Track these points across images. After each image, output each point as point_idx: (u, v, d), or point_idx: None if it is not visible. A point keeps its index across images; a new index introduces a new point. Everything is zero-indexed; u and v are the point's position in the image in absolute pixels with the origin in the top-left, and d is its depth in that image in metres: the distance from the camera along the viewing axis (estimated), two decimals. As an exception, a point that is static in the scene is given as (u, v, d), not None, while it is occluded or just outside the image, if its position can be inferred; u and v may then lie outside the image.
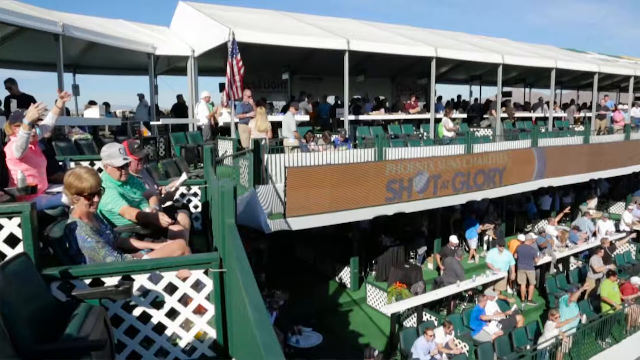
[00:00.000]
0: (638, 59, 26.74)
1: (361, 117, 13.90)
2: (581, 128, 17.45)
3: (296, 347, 8.93)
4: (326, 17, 15.57)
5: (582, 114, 20.33)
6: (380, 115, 14.56)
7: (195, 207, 5.72)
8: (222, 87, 13.23)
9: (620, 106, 19.30)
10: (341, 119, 12.53)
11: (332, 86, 15.94)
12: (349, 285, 12.53)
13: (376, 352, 7.81)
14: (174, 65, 14.47)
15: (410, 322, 11.01)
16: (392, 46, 12.90)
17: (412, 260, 13.55)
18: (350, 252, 12.34)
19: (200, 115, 12.48)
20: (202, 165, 8.90)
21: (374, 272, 12.88)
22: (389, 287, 11.51)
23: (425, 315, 10.79)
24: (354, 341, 10.34)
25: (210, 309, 2.97)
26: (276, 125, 11.84)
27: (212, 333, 2.99)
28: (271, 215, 9.16)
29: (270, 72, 16.65)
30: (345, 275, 12.66)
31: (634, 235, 16.34)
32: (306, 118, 13.07)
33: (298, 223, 9.32)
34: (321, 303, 11.94)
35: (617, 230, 16.48)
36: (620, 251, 15.76)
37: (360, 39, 12.29)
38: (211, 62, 14.27)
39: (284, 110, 13.05)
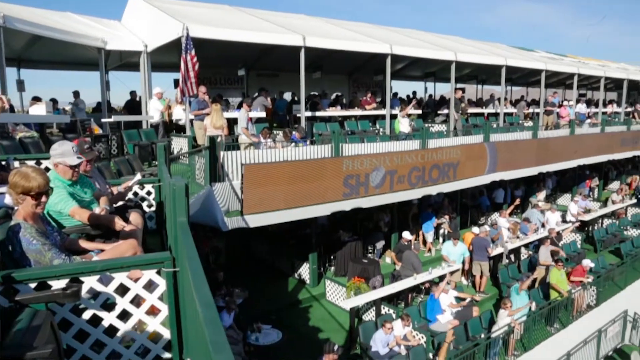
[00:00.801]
0: (582, 57, 27.98)
1: (318, 114, 13.94)
2: (530, 123, 18.12)
3: (256, 345, 8.90)
4: (282, 14, 15.49)
5: (531, 110, 21.12)
6: (336, 111, 14.65)
7: (149, 206, 5.61)
8: (176, 83, 12.96)
9: (565, 102, 20.16)
10: (298, 115, 12.53)
11: (289, 83, 15.91)
12: (308, 281, 12.58)
13: (336, 347, 7.87)
14: (126, 61, 14.07)
15: (369, 315, 11.16)
16: (348, 43, 12.98)
17: (370, 254, 13.72)
18: (308, 248, 12.39)
19: (152, 112, 12.19)
20: (156, 163, 8.70)
21: (332, 268, 12.98)
22: (347, 282, 11.63)
23: (384, 308, 10.96)
24: (314, 336, 10.39)
25: (164, 310, 2.91)
26: (232, 122, 11.71)
27: (166, 334, 2.94)
28: (228, 213, 9.08)
29: (226, 68, 16.47)
30: (304, 271, 12.70)
31: (577, 224, 17.15)
32: (262, 114, 13.00)
33: (256, 220, 9.29)
34: (280, 300, 11.94)
35: (564, 221, 17.25)
36: (567, 241, 16.50)
37: (316, 35, 12.30)
38: (165, 58, 13.96)
39: (240, 106, 12.94)
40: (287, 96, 17.05)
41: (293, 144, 10.80)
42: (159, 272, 2.87)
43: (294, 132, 11.54)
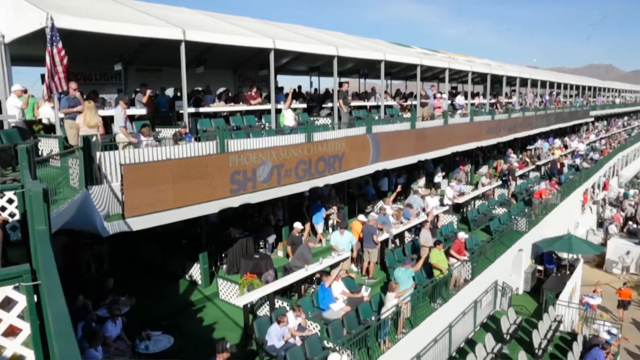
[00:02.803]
0: (452, 53, 30.31)
1: (202, 110, 13.57)
2: (408, 115, 19.23)
3: (146, 354, 8.51)
4: (161, 5, 14.78)
5: (409, 102, 22.43)
6: (221, 107, 14.36)
7: (12, 215, 5.10)
8: (44, 78, 11.84)
9: (438, 95, 21.64)
10: (181, 112, 12.12)
11: (172, 78, 15.30)
12: (200, 282, 12.28)
13: (228, 345, 7.79)
14: (-21, 53, 12.56)
15: (264, 310, 11.19)
16: (231, 37, 12.77)
17: (262, 249, 13.73)
18: (199, 248, 12.09)
19: (11, 111, 11.02)
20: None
21: (224, 266, 12.80)
22: (240, 278, 11.54)
23: (278, 302, 11.05)
24: (207, 338, 10.20)
25: (26, 328, 2.67)
26: (110, 120, 11.00)
27: (29, 355, 2.70)
28: (108, 217, 8.55)
29: (102, 63, 15.40)
30: (196, 272, 12.38)
31: (447, 208, 18.67)
32: (142, 112, 12.37)
33: (140, 223, 8.85)
34: (172, 304, 11.54)
35: (442, 204, 18.64)
36: (444, 222, 17.84)
37: (197, 29, 11.94)
38: (29, 50, 12.67)
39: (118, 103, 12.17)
40: (171, 92, 16.42)
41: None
42: (18, 288, 2.62)
43: (185, 133, 11.13)
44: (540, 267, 20.46)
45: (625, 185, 41.90)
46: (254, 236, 13.41)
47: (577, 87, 46.83)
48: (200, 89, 16.08)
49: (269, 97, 15.58)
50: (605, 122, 53.58)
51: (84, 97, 10.76)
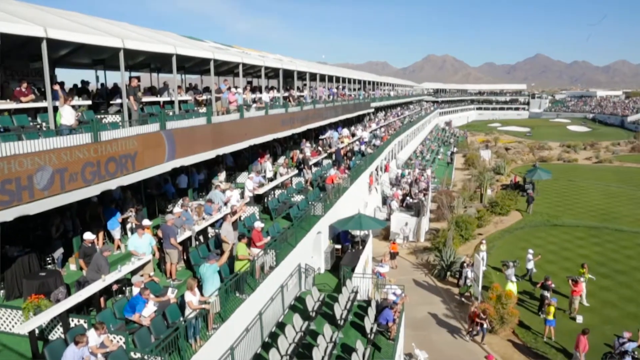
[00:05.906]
0: (245, 48, 30.88)
1: (-45, 109, 11.41)
2: (204, 110, 19.05)
3: None
4: None
5: (204, 97, 22.19)
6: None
7: None
8: None
9: (233, 89, 21.86)
10: None
11: None
12: (-32, 315, 10.41)
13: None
14: None
15: (57, 333, 10.05)
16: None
17: (50, 265, 12.24)
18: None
19: None
20: None
21: (2, 291, 11.07)
22: (24, 302, 10.12)
23: (73, 320, 10.04)
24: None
25: None
26: None
27: None
28: None
29: None
30: (-39, 303, 10.46)
31: (248, 200, 19.27)
32: None
33: None
34: None
35: (243, 197, 19.04)
36: (247, 214, 18.28)
37: None
38: None
39: None
40: None
41: None
42: None
43: None
44: (337, 246, 22.46)
45: (402, 167, 48.36)
46: (38, 252, 11.86)
47: (360, 81, 52.18)
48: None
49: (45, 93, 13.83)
50: (383, 113, 60.84)
51: None
